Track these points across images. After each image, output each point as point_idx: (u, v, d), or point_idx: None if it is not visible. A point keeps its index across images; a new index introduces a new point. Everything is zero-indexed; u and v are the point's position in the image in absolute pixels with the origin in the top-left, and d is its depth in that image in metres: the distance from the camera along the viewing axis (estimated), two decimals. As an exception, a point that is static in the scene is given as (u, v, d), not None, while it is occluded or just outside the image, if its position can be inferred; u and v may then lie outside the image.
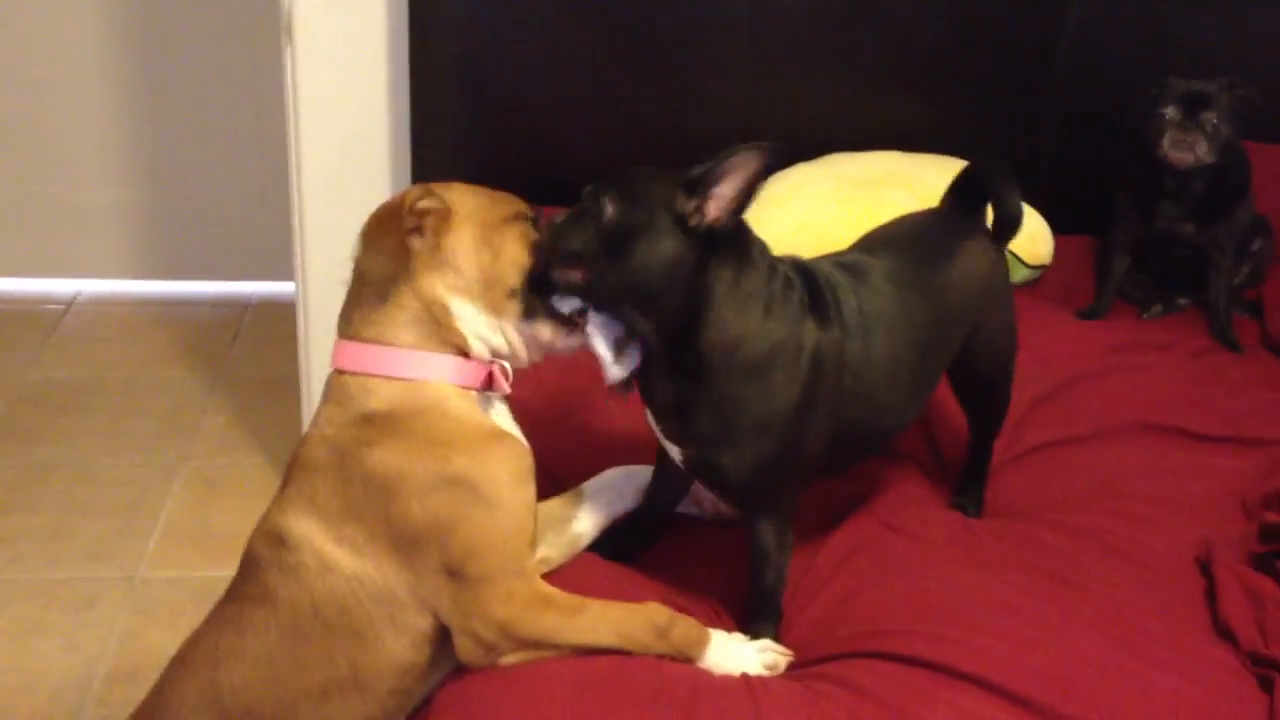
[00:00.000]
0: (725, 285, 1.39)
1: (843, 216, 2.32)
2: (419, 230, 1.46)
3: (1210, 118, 2.22)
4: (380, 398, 1.45)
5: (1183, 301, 2.42)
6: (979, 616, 1.54)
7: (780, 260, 1.49)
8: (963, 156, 2.49)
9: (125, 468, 3.04)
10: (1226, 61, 2.40)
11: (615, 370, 1.45)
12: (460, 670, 1.44)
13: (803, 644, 1.52)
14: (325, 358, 2.74)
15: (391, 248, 1.45)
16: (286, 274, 2.83)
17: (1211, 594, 1.62)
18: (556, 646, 1.40)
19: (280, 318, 3.54)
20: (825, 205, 2.34)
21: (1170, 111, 2.24)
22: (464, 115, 2.55)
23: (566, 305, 1.47)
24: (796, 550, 1.54)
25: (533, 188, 2.57)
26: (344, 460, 1.43)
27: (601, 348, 1.45)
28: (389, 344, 1.46)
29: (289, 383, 2.99)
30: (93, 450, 3.10)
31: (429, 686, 1.49)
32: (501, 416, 1.53)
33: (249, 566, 1.48)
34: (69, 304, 3.79)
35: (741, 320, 1.40)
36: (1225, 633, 1.57)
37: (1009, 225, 1.60)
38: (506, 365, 1.53)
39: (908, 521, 1.72)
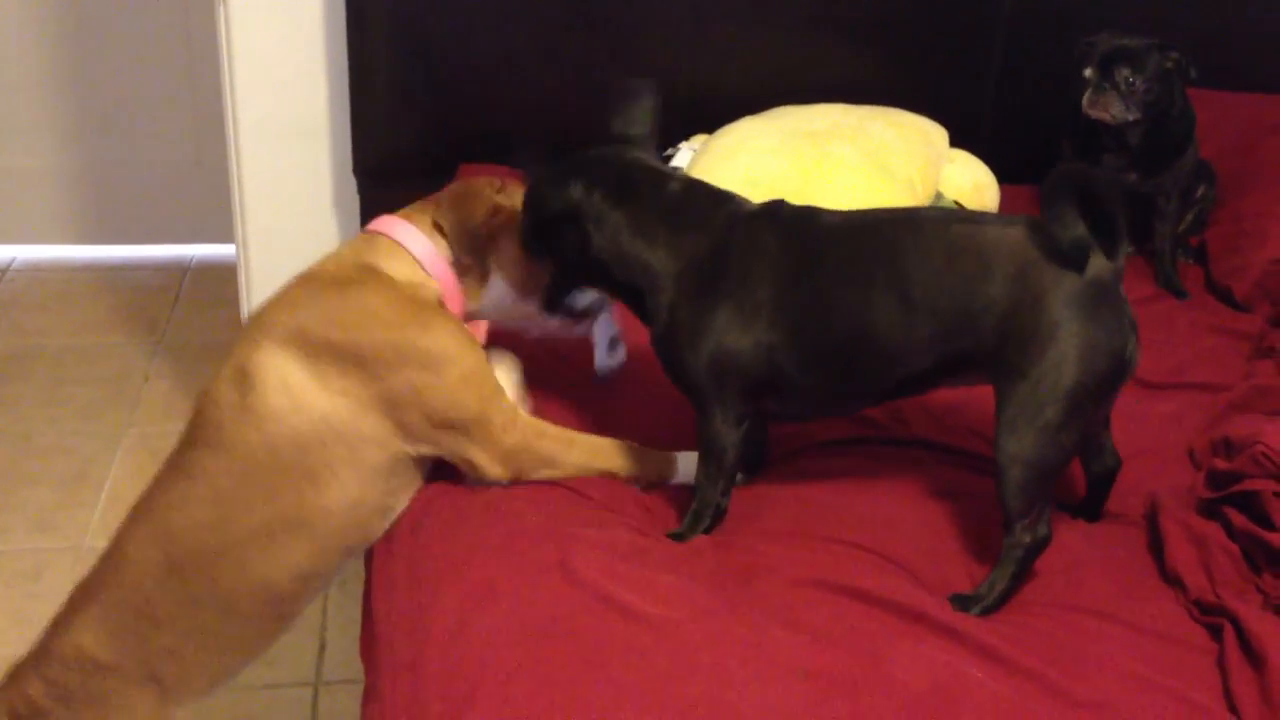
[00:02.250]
0: (612, 231, 1.60)
1: (789, 169, 2.31)
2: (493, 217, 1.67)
3: (1126, 76, 2.22)
4: (396, 267, 1.62)
5: (1128, 249, 2.44)
6: (940, 567, 1.55)
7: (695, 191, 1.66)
8: (907, 107, 2.50)
9: (68, 437, 3.00)
10: (1168, 13, 2.41)
11: (606, 362, 1.77)
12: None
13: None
14: (268, 321, 2.76)
15: (471, 222, 1.65)
16: (226, 236, 2.79)
17: (1158, 543, 1.64)
18: (561, 467, 1.62)
19: (221, 280, 3.49)
20: (772, 158, 2.33)
21: (1089, 71, 2.24)
22: (402, 71, 2.51)
23: (583, 300, 1.71)
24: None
25: (472, 143, 2.56)
26: (344, 296, 1.56)
27: (601, 338, 1.76)
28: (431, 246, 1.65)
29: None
30: (34, 420, 3.06)
31: (370, 536, 1.60)
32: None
33: (205, 410, 1.56)
34: (3, 271, 3.72)
35: (636, 242, 1.60)
36: (1174, 580, 1.59)
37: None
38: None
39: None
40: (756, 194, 2.26)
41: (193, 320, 3.52)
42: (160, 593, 1.55)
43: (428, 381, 1.55)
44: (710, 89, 2.57)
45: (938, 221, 1.59)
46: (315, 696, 2.35)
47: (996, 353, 1.50)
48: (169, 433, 3.04)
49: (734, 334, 1.54)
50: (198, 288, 3.68)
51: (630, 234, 1.59)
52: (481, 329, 1.75)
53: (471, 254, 1.66)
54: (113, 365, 3.30)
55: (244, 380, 1.52)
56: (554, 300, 1.70)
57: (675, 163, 2.43)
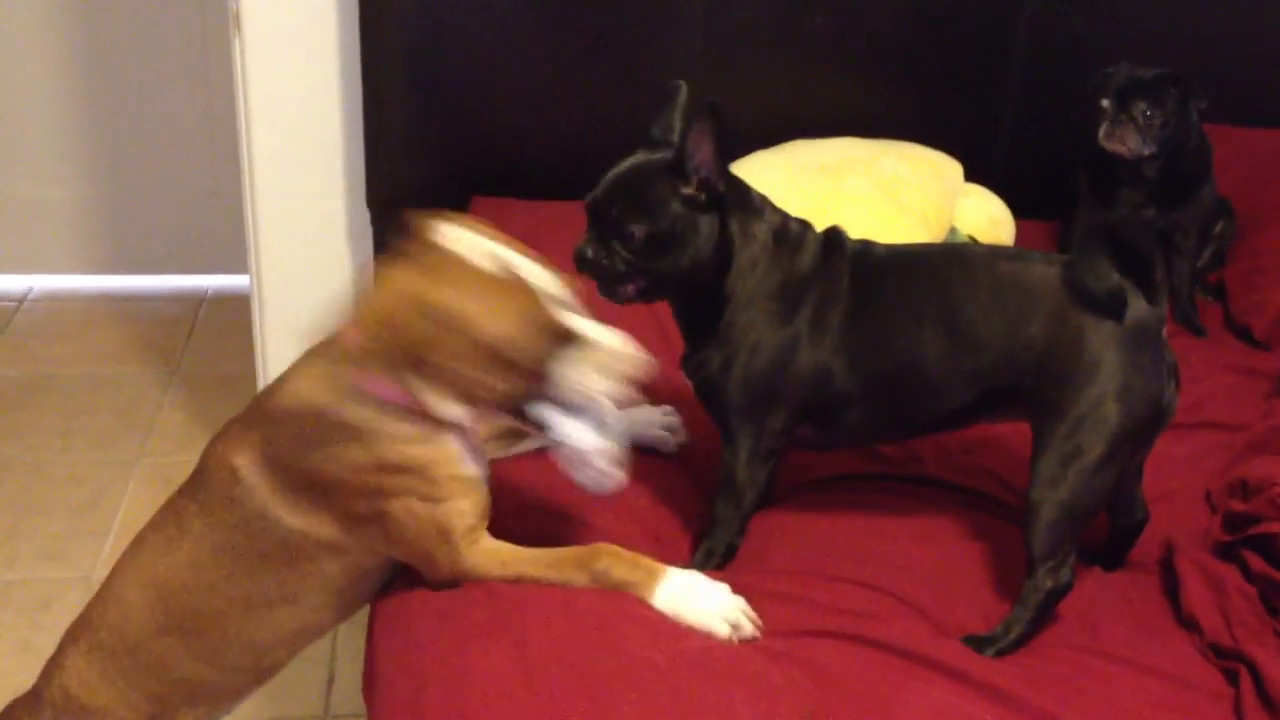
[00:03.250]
0: (738, 234, 1.55)
1: (802, 203, 2.28)
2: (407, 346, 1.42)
3: (1143, 109, 2.21)
4: (347, 398, 1.47)
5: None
6: (952, 608, 1.53)
7: (801, 222, 1.63)
8: (921, 141, 2.50)
9: (80, 466, 3.00)
10: (1184, 45, 2.40)
11: (593, 480, 1.46)
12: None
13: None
14: (280, 350, 2.77)
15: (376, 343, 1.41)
16: (240, 267, 2.80)
17: (1174, 586, 1.61)
18: (510, 580, 1.49)
19: (235, 311, 3.50)
20: (784, 193, 2.28)
21: (1106, 102, 2.23)
22: (416, 105, 2.52)
23: (545, 414, 1.43)
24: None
25: (486, 178, 2.57)
26: (318, 428, 1.48)
27: (581, 466, 1.46)
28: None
29: (245, 377, 2.95)
30: (47, 449, 3.06)
31: (365, 600, 1.59)
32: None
33: (202, 470, 1.56)
34: (20, 300, 3.73)
35: (751, 257, 1.56)
36: (1190, 623, 1.56)
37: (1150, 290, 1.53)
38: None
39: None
40: (769, 228, 2.27)
41: (207, 350, 3.52)
42: (147, 640, 1.55)
43: (392, 516, 1.48)
44: (725, 123, 2.56)
45: (985, 258, 1.61)
46: (323, 732, 2.34)
47: (1036, 391, 1.51)
48: (182, 463, 3.04)
49: (805, 354, 1.56)
50: (212, 318, 3.68)
51: (744, 243, 1.56)
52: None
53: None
54: (127, 395, 3.30)
55: (230, 472, 1.51)
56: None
57: (688, 195, 2.43)
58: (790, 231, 1.60)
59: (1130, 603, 1.60)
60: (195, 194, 3.71)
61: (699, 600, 1.44)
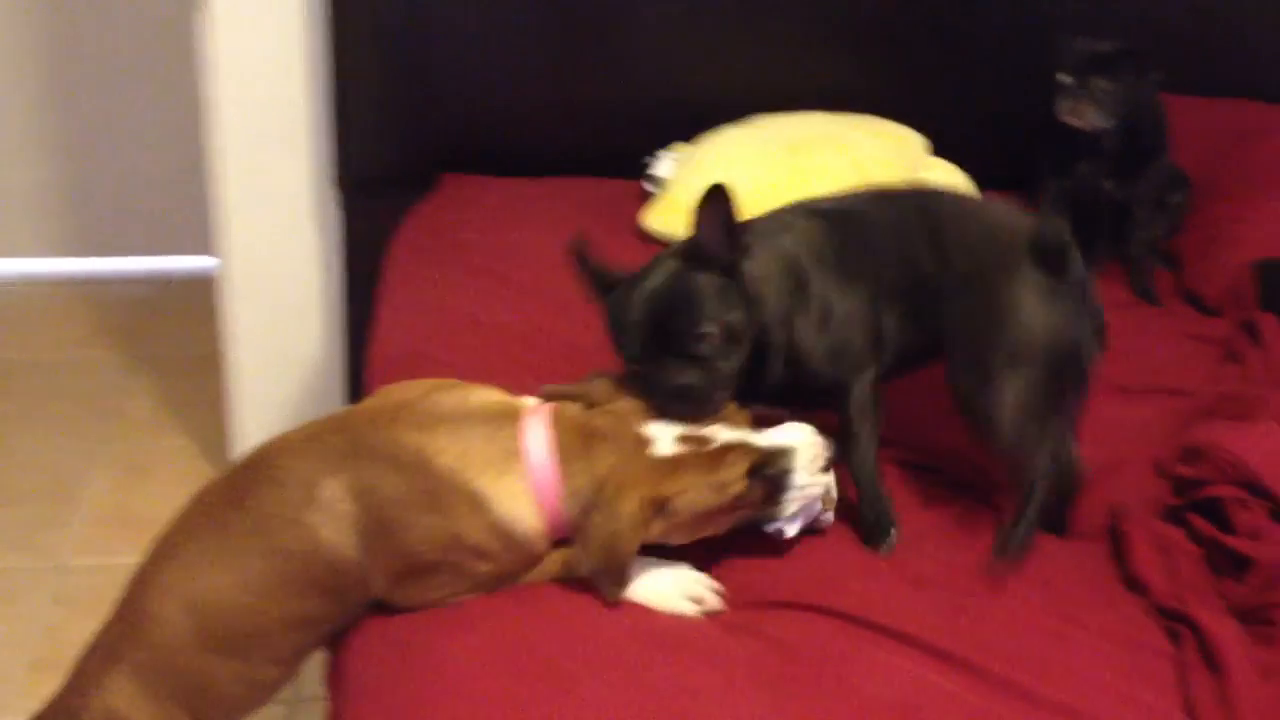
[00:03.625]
0: (758, 275, 1.56)
1: (770, 178, 2.32)
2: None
3: (1101, 84, 2.24)
4: (519, 508, 1.46)
5: (1103, 255, 2.46)
6: (901, 580, 1.55)
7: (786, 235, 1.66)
8: (887, 116, 2.52)
9: (46, 452, 2.98)
10: (1140, 17, 2.43)
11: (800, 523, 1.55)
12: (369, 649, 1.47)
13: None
14: (248, 334, 2.77)
15: (627, 548, 1.44)
16: (208, 249, 2.78)
17: (1122, 549, 1.65)
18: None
19: (202, 293, 3.45)
20: (753, 168, 2.34)
21: (1064, 76, 2.26)
22: (384, 83, 2.51)
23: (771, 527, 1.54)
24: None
25: (456, 156, 2.57)
26: (449, 500, 1.44)
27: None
28: (567, 512, 1.46)
29: (213, 361, 2.93)
30: (11, 435, 3.03)
31: None
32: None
33: (262, 477, 1.48)
34: (-16, 285, 3.70)
35: (764, 272, 1.57)
36: (1137, 585, 1.60)
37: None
38: None
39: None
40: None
41: (174, 334, 3.49)
42: (192, 660, 1.50)
43: (436, 581, 1.47)
44: (693, 98, 2.58)
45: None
46: (291, 714, 2.33)
47: (981, 310, 1.62)
48: (149, 448, 3.06)
49: (848, 302, 1.62)
50: (179, 301, 3.65)
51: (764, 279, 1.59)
52: None
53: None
54: (92, 380, 3.27)
55: (312, 494, 1.45)
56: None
57: (654, 171, 2.44)
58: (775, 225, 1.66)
59: (1081, 568, 1.62)
60: (161, 175, 3.68)
61: (661, 584, 1.47)
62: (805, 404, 1.63)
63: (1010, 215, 1.72)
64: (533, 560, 1.48)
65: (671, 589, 1.47)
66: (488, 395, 1.54)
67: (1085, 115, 2.26)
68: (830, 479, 1.56)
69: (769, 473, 1.47)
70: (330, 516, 1.44)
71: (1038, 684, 1.38)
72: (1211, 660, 1.44)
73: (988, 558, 1.57)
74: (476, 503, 1.43)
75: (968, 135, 2.61)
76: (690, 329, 1.46)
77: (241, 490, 1.50)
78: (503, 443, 1.46)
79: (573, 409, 1.50)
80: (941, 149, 2.52)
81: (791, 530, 1.54)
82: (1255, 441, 1.71)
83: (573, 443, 1.45)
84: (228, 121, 2.58)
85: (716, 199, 1.46)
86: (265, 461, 1.50)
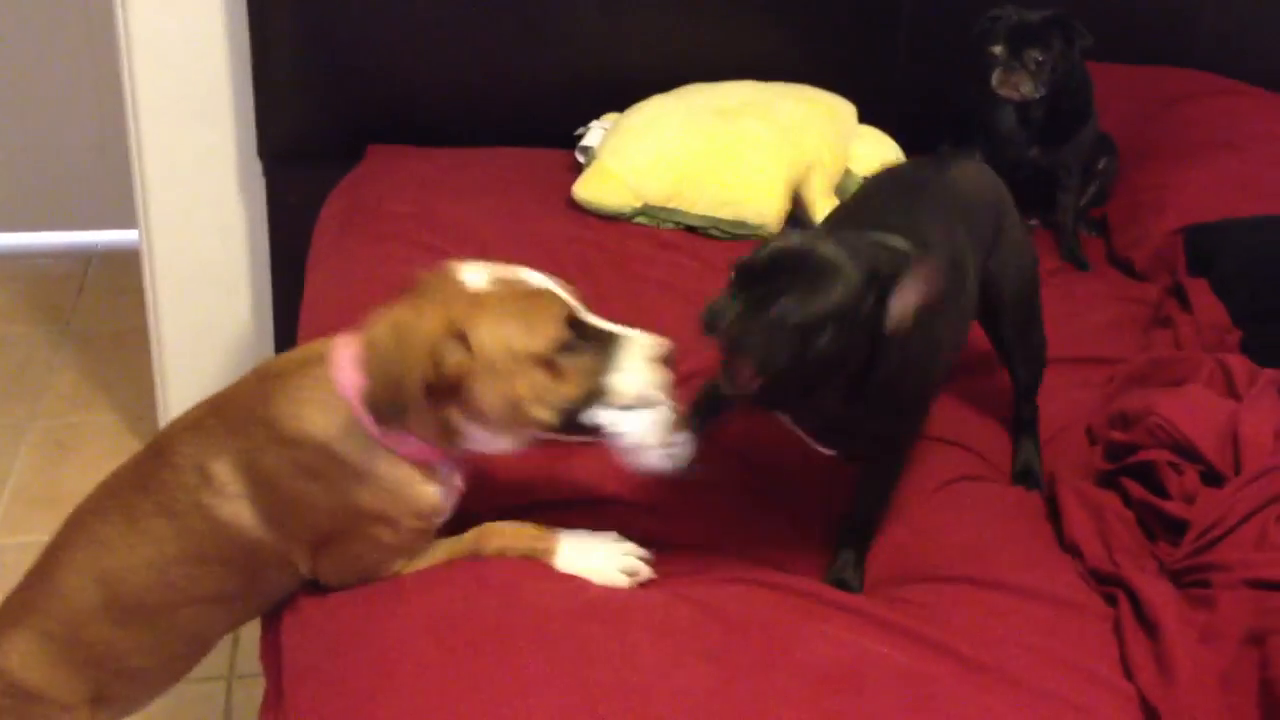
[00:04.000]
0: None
1: (700, 146, 2.32)
2: (442, 381, 1.35)
3: (1035, 55, 2.25)
4: (356, 444, 1.42)
5: (1032, 223, 2.48)
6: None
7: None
8: (816, 85, 2.52)
9: (-31, 430, 2.92)
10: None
11: (666, 460, 1.43)
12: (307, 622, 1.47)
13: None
14: (173, 307, 2.72)
15: (412, 382, 1.34)
16: (130, 222, 2.73)
17: (1056, 514, 1.67)
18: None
19: (126, 267, 3.41)
20: (681, 136, 2.33)
21: (998, 49, 2.27)
22: (305, 52, 2.47)
23: (603, 419, 1.40)
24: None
25: (381, 126, 2.53)
26: (317, 460, 1.43)
27: (647, 453, 1.42)
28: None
29: (138, 335, 2.89)
30: (-66, 414, 2.97)
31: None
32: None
33: (162, 464, 1.47)
34: (-100, 261, 3.61)
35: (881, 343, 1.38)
36: (1072, 549, 1.62)
37: None
38: None
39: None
40: (667, 171, 2.29)
41: (98, 308, 3.43)
42: (99, 633, 1.51)
43: (353, 550, 1.48)
44: (621, 68, 2.56)
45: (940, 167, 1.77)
46: (229, 690, 2.32)
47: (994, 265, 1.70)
48: (75, 424, 3.01)
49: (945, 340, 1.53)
50: (102, 275, 3.59)
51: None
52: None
53: (416, 425, 1.39)
54: (16, 356, 3.21)
55: (203, 477, 1.45)
56: (558, 428, 1.40)
57: (586, 141, 2.43)
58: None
59: (1017, 533, 1.65)
60: (80, 147, 3.60)
61: (593, 557, 1.48)
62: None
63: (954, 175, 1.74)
64: (419, 503, 1.45)
65: (604, 562, 1.48)
66: (320, 346, 1.49)
67: (1021, 87, 2.27)
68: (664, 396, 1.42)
69: (586, 323, 1.38)
70: (225, 498, 1.45)
71: (977, 650, 1.40)
72: (1147, 624, 1.46)
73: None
74: (326, 453, 1.42)
75: (895, 103, 2.62)
76: (785, 289, 1.32)
77: (145, 474, 1.50)
78: (322, 383, 1.43)
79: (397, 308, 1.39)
80: (869, 117, 2.52)
81: (652, 460, 1.42)
82: (1187, 406, 1.74)
83: (379, 337, 1.36)
84: (147, 92, 2.53)
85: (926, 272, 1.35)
86: (163, 446, 1.50)
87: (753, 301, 1.32)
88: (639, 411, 1.39)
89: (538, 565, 1.46)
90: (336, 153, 2.47)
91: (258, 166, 2.59)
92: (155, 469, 1.49)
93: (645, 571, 1.49)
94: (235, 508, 1.45)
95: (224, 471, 1.44)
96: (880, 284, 1.34)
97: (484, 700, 1.27)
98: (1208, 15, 2.76)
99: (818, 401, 1.44)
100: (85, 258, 3.67)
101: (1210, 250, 2.24)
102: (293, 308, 2.08)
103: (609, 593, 1.44)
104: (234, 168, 2.63)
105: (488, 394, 1.37)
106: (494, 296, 1.37)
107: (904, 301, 1.34)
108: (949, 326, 1.54)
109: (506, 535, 1.49)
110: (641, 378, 1.38)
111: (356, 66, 2.50)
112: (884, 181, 1.81)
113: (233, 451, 1.45)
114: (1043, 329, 1.83)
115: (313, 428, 1.42)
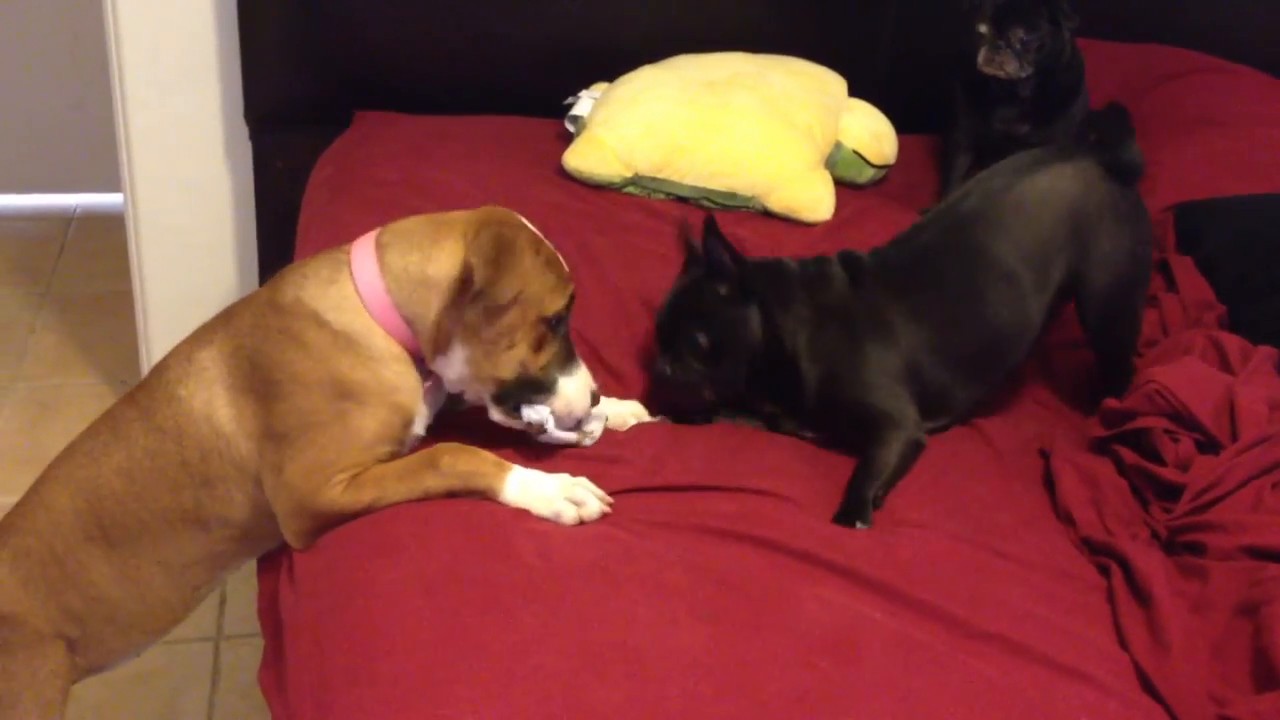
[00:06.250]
0: (778, 308, 1.74)
1: (689, 118, 2.31)
2: (486, 274, 1.48)
3: (1020, 35, 2.25)
4: (348, 313, 1.51)
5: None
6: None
7: (817, 261, 1.83)
8: (806, 57, 2.51)
9: (-51, 392, 2.90)
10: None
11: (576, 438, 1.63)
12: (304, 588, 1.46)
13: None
14: (158, 269, 2.70)
15: (447, 289, 1.51)
16: (112, 184, 2.71)
17: (1051, 484, 1.69)
18: (355, 515, 1.48)
19: (107, 229, 3.39)
20: (672, 107, 2.32)
21: (983, 28, 2.27)
22: (294, 15, 2.44)
23: (534, 415, 1.57)
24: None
25: (368, 92, 2.51)
26: (304, 327, 1.50)
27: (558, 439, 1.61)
28: (394, 301, 1.52)
29: (121, 297, 2.87)
30: (-87, 375, 2.95)
31: (275, 541, 1.58)
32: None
33: (157, 369, 1.59)
34: (-123, 222, 3.57)
35: (796, 318, 1.75)
36: (1065, 518, 1.64)
37: (1130, 171, 1.88)
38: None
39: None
40: (655, 142, 2.28)
41: (79, 270, 3.42)
42: (73, 548, 1.55)
43: (308, 439, 1.49)
44: (611, 38, 2.55)
45: (997, 191, 1.83)
46: (217, 651, 2.33)
47: (1079, 270, 1.81)
48: (57, 385, 2.99)
49: (889, 358, 1.74)
50: (83, 237, 3.57)
51: (785, 311, 1.75)
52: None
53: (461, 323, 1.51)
54: (-2, 318, 3.19)
55: (188, 366, 1.54)
56: (507, 399, 1.56)
57: (575, 111, 2.42)
58: (814, 273, 1.80)
59: (1013, 500, 1.66)
60: (62, 108, 3.57)
61: (542, 487, 1.49)
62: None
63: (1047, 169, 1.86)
64: (397, 384, 1.51)
65: (553, 490, 1.49)
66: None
67: (1005, 66, 2.27)
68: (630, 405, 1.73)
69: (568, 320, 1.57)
70: (202, 384, 1.52)
71: (971, 615, 1.41)
72: (1140, 592, 1.48)
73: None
74: (315, 319, 1.50)
75: (885, 77, 2.62)
76: (684, 331, 1.71)
77: (140, 385, 1.60)
78: (334, 262, 1.55)
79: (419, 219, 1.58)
80: (859, 90, 2.52)
81: (562, 439, 1.59)
82: (1185, 375, 1.75)
83: (396, 239, 1.54)
84: (131, 53, 2.51)
85: (712, 228, 1.69)
86: (164, 359, 1.60)
87: (674, 354, 1.73)
88: (565, 425, 1.59)
89: (526, 520, 1.47)
90: (323, 118, 2.45)
91: (244, 129, 2.57)
92: (147, 378, 1.59)
93: (592, 505, 1.49)
94: (208, 395, 1.51)
95: (207, 356, 1.53)
96: (753, 296, 1.72)
97: (481, 659, 1.27)
98: (1196, -7, 2.77)
99: (764, 388, 1.75)
100: (65, 220, 3.65)
101: (1199, 228, 2.24)
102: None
103: (605, 552, 1.44)
104: (220, 131, 2.62)
105: (495, 319, 1.49)
106: (548, 249, 1.55)
107: (715, 252, 1.70)
108: (950, 326, 1.77)
109: (461, 454, 1.50)
110: (583, 399, 1.58)
111: (345, 30, 2.48)
112: (965, 193, 1.92)
113: (221, 339, 1.53)
114: (1134, 327, 1.93)
115: (308, 296, 1.51)
